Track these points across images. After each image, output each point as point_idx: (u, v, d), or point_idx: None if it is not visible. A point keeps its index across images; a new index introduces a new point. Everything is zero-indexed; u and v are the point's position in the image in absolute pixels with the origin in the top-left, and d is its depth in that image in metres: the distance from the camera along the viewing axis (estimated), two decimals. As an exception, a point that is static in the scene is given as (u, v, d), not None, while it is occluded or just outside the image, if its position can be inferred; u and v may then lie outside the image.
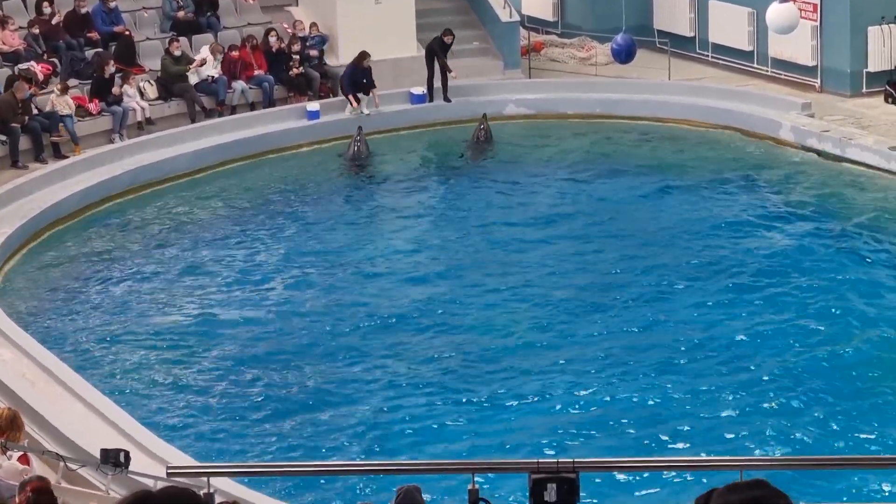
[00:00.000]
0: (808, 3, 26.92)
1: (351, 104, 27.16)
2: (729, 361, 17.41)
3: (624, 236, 22.04)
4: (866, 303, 18.96)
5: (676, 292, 19.65)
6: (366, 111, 27.21)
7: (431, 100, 28.13)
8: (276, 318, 19.33)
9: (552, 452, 14.99)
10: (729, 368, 17.21)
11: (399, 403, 16.65)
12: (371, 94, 27.30)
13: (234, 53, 27.29)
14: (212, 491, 7.64)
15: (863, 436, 15.41)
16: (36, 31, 26.42)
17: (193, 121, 26.71)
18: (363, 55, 27.07)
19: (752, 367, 17.17)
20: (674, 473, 14.17)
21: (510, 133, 27.79)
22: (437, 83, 28.04)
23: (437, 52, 27.88)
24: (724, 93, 27.73)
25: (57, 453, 12.55)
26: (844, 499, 13.65)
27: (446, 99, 28.11)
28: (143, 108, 26.25)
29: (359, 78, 27.21)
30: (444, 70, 27.89)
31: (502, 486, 13.02)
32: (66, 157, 24.68)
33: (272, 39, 27.87)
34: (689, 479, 13.79)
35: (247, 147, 26.31)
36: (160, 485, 9.88)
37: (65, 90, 25.13)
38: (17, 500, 9.38)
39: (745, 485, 4.36)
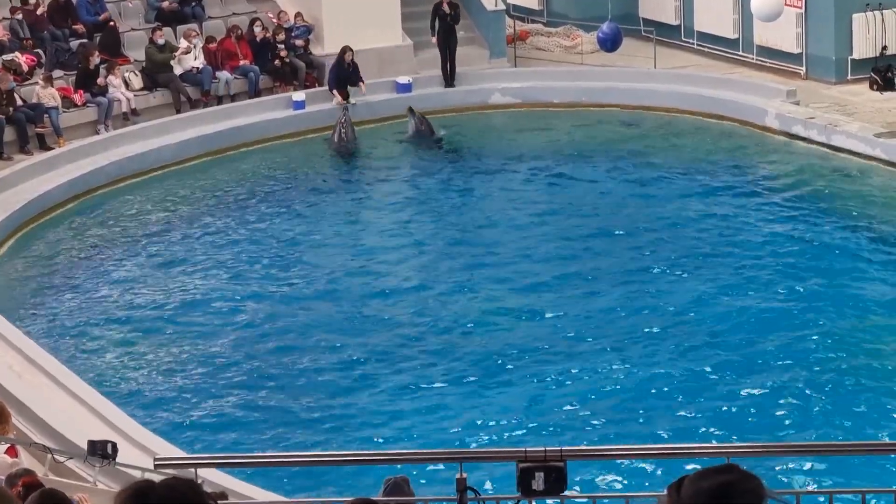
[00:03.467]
0: (793, -9, 26.93)
1: (337, 99, 27.08)
2: (718, 349, 17.44)
3: (610, 224, 22.03)
4: (851, 288, 19.00)
5: (664, 280, 19.67)
6: (352, 100, 27.14)
7: (450, 84, 28.09)
8: (263, 309, 19.31)
9: (540, 441, 14.99)
10: (718, 356, 17.23)
11: (387, 394, 16.66)
12: (359, 85, 27.23)
13: (213, 45, 27.22)
14: (199, 482, 7.62)
15: (849, 422, 15.45)
16: (19, 17, 26.35)
17: (179, 111, 26.66)
18: (344, 50, 26.95)
19: (741, 355, 17.20)
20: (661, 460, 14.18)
21: (496, 122, 27.78)
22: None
23: (434, 22, 27.98)
24: (710, 80, 27.72)
25: (44, 445, 12.53)
26: (833, 483, 13.68)
27: (451, 83, 28.21)
28: (128, 99, 26.18)
29: (344, 74, 27.13)
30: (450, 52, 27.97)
31: (490, 475, 13.02)
32: (52, 149, 24.61)
33: (257, 29, 27.81)
34: (675, 466, 13.80)
35: (232, 137, 26.25)
36: (147, 476, 9.88)
37: (48, 81, 25.05)
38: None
39: (715, 470, 4.36)
